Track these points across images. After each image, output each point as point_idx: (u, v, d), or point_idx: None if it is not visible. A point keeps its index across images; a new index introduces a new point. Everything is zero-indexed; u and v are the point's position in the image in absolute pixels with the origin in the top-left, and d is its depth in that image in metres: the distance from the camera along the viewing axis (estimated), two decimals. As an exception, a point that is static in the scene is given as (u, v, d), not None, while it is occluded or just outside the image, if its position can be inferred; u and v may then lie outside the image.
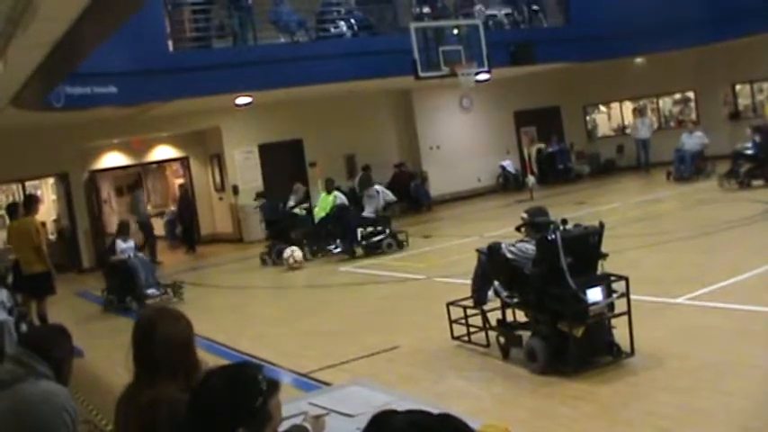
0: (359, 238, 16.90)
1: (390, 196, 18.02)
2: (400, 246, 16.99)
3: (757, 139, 18.52)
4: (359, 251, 16.90)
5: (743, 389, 6.27)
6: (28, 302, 12.43)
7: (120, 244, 14.76)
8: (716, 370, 6.80)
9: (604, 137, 29.60)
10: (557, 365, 7.14)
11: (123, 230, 15.18)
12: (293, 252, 16.65)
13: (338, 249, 17.14)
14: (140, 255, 15.25)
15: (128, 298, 14.07)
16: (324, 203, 18.37)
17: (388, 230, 17.16)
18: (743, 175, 18.25)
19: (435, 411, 1.93)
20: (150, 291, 14.18)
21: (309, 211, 19.46)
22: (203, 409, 2.52)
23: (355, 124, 24.62)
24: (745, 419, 5.68)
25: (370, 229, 17.07)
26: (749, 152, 18.39)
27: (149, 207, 24.71)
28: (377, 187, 18.17)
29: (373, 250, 16.81)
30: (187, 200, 23.78)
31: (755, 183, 18.02)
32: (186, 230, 23.52)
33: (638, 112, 26.78)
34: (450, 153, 26.26)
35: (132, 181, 27.80)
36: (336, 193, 18.71)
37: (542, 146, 27.32)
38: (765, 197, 16.11)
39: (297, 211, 18.58)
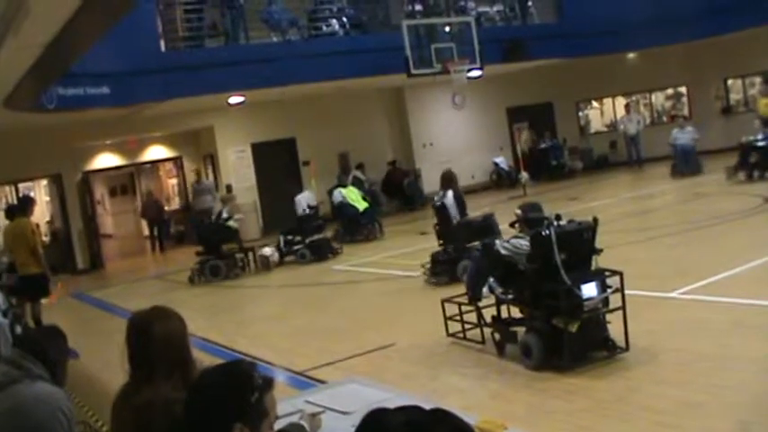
0: (282, 244, 17.24)
1: (303, 205, 17.94)
2: (319, 257, 16.76)
3: (767, 131, 18.47)
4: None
5: (738, 382, 6.29)
6: (23, 305, 12.41)
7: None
8: (711, 363, 6.82)
9: (597, 132, 29.62)
10: (552, 361, 7.15)
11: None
12: (272, 253, 16.79)
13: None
14: None
15: None
16: (354, 197, 19.13)
17: (307, 240, 17.04)
18: (753, 167, 18.26)
19: (427, 406, 1.93)
20: None
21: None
22: (200, 406, 2.53)
23: (348, 122, 24.61)
24: (740, 412, 5.69)
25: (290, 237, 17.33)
26: (761, 144, 18.31)
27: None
28: (298, 196, 18.28)
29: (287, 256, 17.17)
30: (152, 203, 24.52)
31: (767, 175, 17.99)
32: (154, 230, 24.38)
33: (626, 109, 26.79)
34: (443, 150, 26.21)
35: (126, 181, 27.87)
36: (351, 188, 19.61)
37: (531, 133, 27.28)
38: (763, 191, 16.08)
39: (231, 223, 17.17)
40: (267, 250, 16.92)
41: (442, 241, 12.62)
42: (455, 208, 12.47)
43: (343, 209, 19.07)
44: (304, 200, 17.97)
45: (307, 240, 17.00)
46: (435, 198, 13.12)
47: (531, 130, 27.75)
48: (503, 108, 27.77)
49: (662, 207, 17.99)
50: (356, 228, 19.05)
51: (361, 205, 19.10)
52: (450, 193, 12.61)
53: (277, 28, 20.39)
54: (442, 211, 12.67)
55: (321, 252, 16.89)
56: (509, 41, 22.84)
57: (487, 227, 12.00)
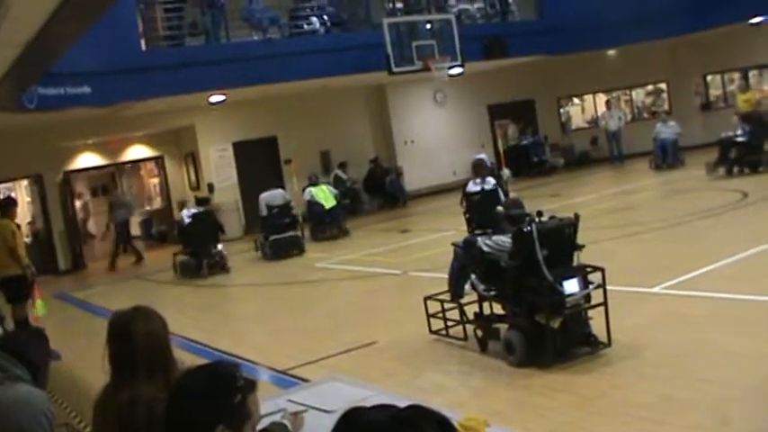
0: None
1: (261, 206, 17.94)
2: (279, 256, 17.03)
3: (747, 127, 18.59)
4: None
5: (720, 377, 6.33)
6: (16, 307, 12.26)
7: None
8: (692, 358, 6.86)
9: (578, 129, 29.68)
10: (534, 357, 7.17)
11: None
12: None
13: None
14: None
15: None
16: (324, 195, 19.24)
17: (270, 238, 17.31)
18: (733, 163, 18.37)
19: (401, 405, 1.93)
20: None
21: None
22: (182, 407, 2.52)
23: (330, 120, 24.58)
24: (723, 407, 5.72)
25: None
26: (741, 139, 18.41)
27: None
28: (260, 195, 18.36)
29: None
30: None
31: (746, 170, 18.09)
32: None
33: (607, 105, 26.92)
34: (425, 148, 26.24)
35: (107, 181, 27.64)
36: (323, 186, 19.66)
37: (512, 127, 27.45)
38: (742, 186, 16.22)
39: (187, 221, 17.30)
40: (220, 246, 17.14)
41: (473, 227, 12.25)
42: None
43: (311, 207, 19.19)
44: (264, 200, 17.97)
45: (270, 238, 17.16)
46: (471, 186, 13.19)
47: (514, 125, 27.84)
48: (484, 105, 27.78)
49: (643, 203, 18.07)
50: (322, 226, 19.22)
51: (329, 203, 19.15)
52: (490, 179, 12.52)
53: (258, 26, 20.35)
54: (492, 195, 12.47)
55: (282, 250, 17.08)
56: (489, 39, 22.87)
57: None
